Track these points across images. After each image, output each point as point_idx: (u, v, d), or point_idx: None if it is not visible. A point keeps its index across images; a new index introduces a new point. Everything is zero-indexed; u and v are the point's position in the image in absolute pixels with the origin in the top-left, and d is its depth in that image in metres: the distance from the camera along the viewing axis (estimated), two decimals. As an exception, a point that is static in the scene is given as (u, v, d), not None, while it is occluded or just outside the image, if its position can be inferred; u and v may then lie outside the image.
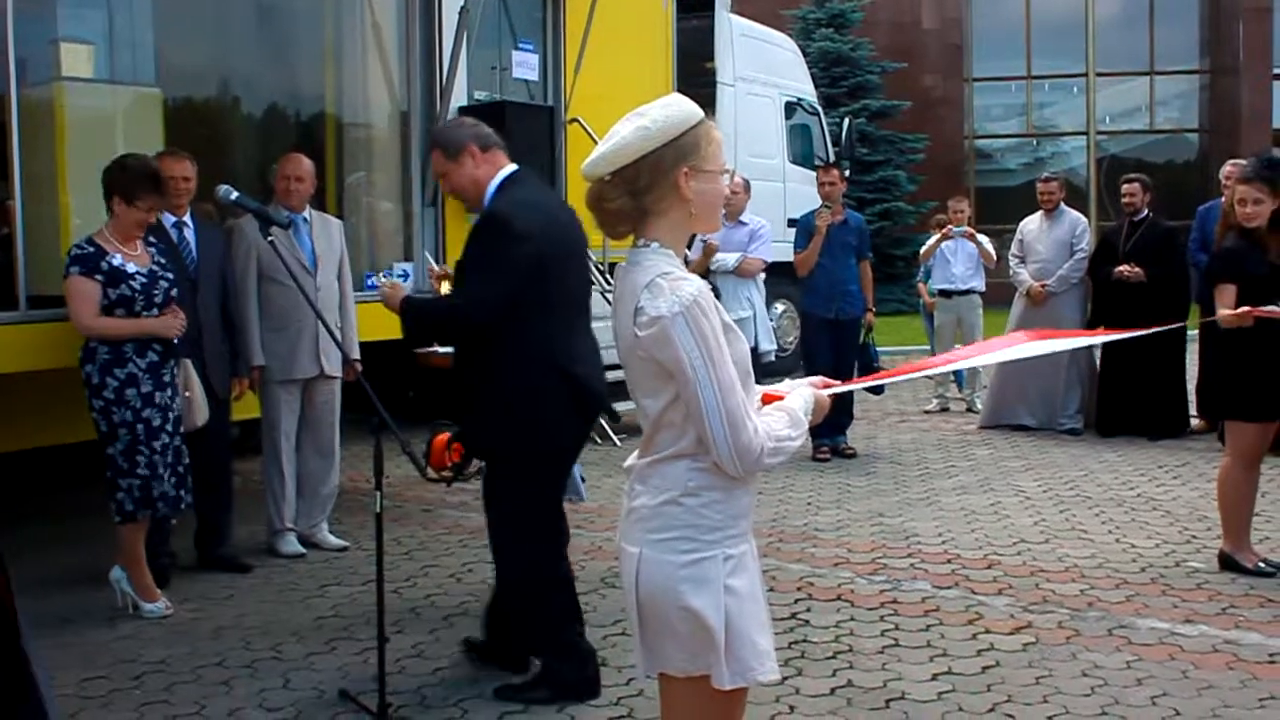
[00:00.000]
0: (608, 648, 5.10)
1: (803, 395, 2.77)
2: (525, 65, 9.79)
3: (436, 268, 5.42)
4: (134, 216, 5.52)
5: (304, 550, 6.72)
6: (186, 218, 6.29)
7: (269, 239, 4.76)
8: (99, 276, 5.45)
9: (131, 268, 5.53)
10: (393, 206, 8.65)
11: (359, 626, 5.45)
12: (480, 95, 9.21)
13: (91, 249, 5.50)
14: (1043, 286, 10.36)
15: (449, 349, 5.56)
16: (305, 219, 6.62)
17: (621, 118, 2.68)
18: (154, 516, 5.69)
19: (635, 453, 2.75)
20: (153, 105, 7.50)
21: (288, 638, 5.35)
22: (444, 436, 8.74)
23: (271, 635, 5.39)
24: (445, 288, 4.91)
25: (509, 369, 4.47)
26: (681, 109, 2.65)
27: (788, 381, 2.91)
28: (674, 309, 2.51)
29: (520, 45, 9.79)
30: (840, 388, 2.95)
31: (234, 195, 4.52)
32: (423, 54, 8.39)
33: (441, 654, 5.14)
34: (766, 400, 2.76)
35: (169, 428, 5.63)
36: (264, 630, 5.46)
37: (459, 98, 8.57)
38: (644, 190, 2.62)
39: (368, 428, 4.37)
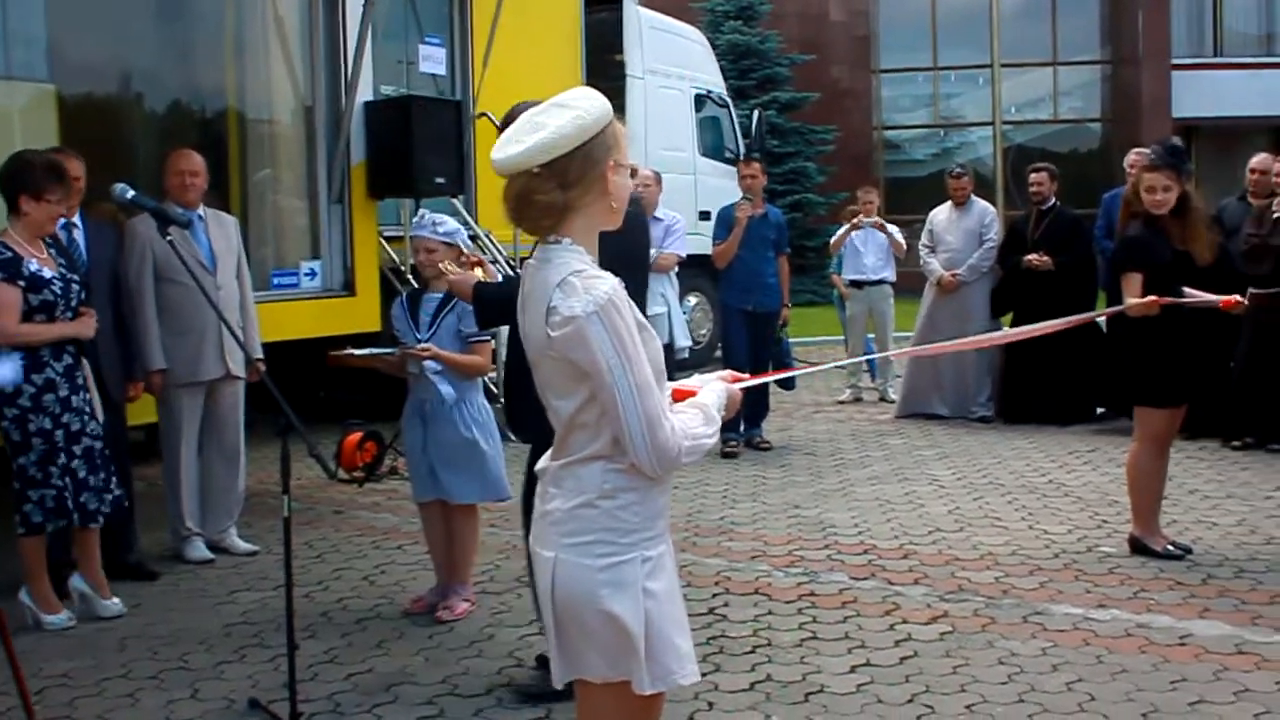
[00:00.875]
0: (524, 648, 5.04)
1: (715, 391, 2.72)
2: (432, 59, 9.68)
3: (469, 254, 5.36)
4: (46, 212, 5.32)
5: (212, 555, 6.57)
6: (76, 218, 6.09)
7: (167, 238, 4.62)
8: (20, 282, 5.26)
9: (47, 272, 5.35)
10: (299, 204, 8.50)
11: (269, 633, 5.33)
12: (387, 90, 9.09)
13: (9, 253, 5.29)
14: (953, 276, 10.45)
15: (372, 350, 5.47)
16: (200, 216, 6.44)
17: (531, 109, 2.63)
18: (69, 526, 5.51)
19: (548, 454, 2.68)
20: (46, 101, 7.28)
21: (196, 646, 5.22)
22: (355, 437, 8.73)
23: (179, 644, 5.25)
24: (479, 273, 4.93)
25: None
26: (602, 101, 2.61)
27: (698, 376, 2.87)
28: (589, 308, 2.46)
29: (427, 40, 9.68)
30: (751, 381, 2.91)
31: (130, 194, 4.39)
32: (327, 48, 8.25)
33: (354, 659, 5.05)
34: (677, 396, 2.72)
35: (89, 430, 5.47)
36: (171, 639, 5.32)
37: (364, 92, 8.44)
38: (573, 183, 2.56)
39: (274, 429, 4.27)
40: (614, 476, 2.55)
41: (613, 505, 2.54)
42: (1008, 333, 6.43)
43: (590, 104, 2.59)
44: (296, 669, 4.34)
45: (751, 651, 4.99)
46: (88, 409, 5.51)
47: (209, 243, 6.42)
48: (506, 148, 2.57)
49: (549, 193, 2.55)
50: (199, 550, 6.56)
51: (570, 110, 2.56)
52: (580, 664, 2.59)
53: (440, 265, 5.18)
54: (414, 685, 4.75)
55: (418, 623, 5.49)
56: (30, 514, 5.38)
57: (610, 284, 2.51)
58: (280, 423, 4.21)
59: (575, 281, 2.50)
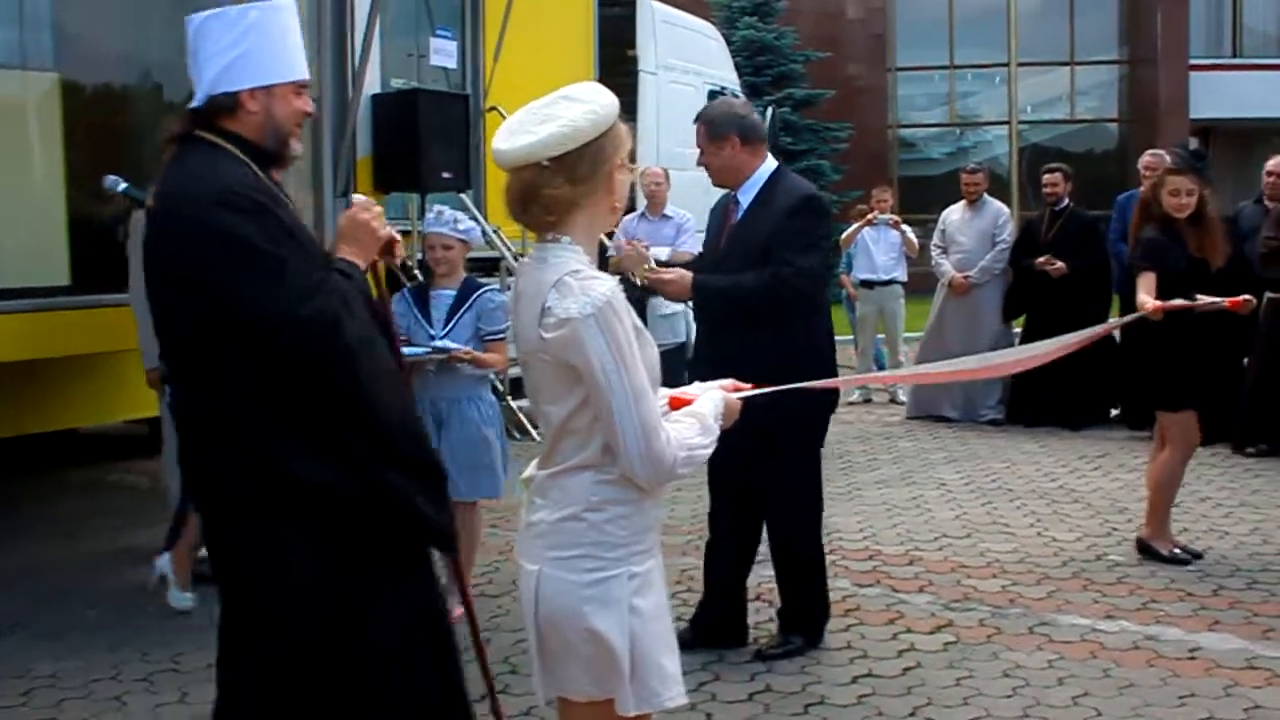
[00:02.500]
0: (518, 653, 4.96)
1: (713, 400, 2.63)
2: (443, 52, 9.58)
3: (627, 246, 5.22)
4: None
5: None
6: None
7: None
8: None
9: None
10: (304, 197, 8.40)
11: (264, 634, 5.25)
12: (398, 83, 8.99)
13: None
14: (965, 278, 10.34)
15: (414, 351, 5.34)
16: None
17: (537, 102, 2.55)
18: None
19: (535, 462, 2.60)
20: (51, 91, 7.20)
21: (189, 648, 5.12)
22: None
23: (172, 645, 5.17)
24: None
25: (805, 340, 4.85)
26: (612, 97, 2.54)
27: (696, 385, 2.78)
28: (585, 310, 2.38)
29: (438, 32, 9.58)
30: (751, 392, 2.81)
31: (121, 186, 4.31)
32: (334, 40, 8.12)
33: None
34: (674, 405, 2.63)
35: None
36: (164, 640, 5.23)
37: (372, 85, 8.34)
38: (581, 180, 2.49)
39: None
40: (603, 488, 2.47)
41: (600, 518, 2.46)
42: (1022, 358, 6.31)
43: (603, 99, 2.52)
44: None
45: (751, 660, 4.91)
46: None
47: None
48: (515, 138, 2.49)
49: (558, 188, 2.48)
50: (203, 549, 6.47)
51: (583, 104, 2.48)
52: (563, 681, 2.51)
53: (641, 270, 5.02)
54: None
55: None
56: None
57: (608, 285, 2.43)
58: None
59: (572, 282, 2.42)
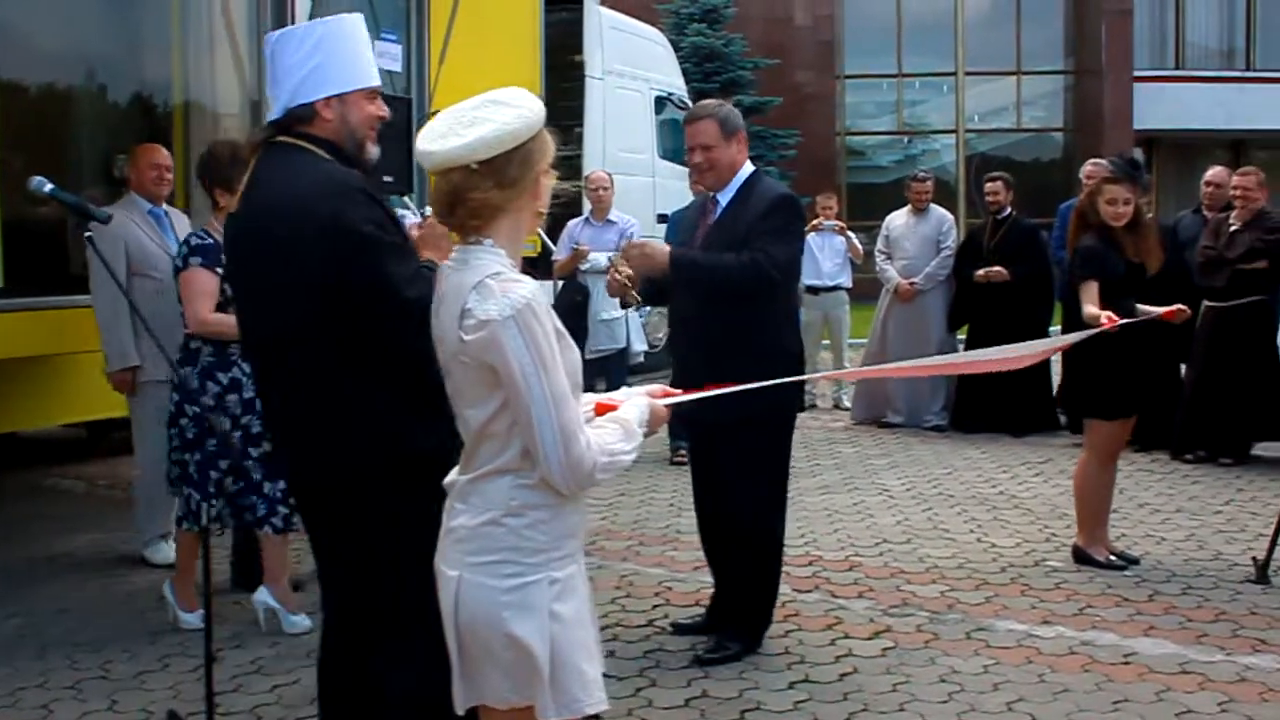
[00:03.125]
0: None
1: (638, 406, 2.61)
2: (388, 55, 9.50)
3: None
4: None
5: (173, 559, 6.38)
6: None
7: (87, 235, 4.43)
8: (219, 270, 5.14)
9: None
10: (245, 199, 8.33)
11: (196, 641, 5.11)
12: (341, 86, 8.92)
13: (211, 240, 5.23)
14: (910, 284, 10.39)
15: None
16: (165, 213, 6.32)
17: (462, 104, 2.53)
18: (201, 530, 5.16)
19: (456, 468, 2.57)
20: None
21: (119, 655, 5.07)
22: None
23: (102, 652, 5.09)
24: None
25: (774, 333, 4.93)
26: (539, 102, 2.53)
27: (624, 390, 2.76)
28: (505, 312, 2.35)
29: (383, 35, 9.50)
30: (681, 397, 2.80)
31: (48, 187, 4.21)
32: (275, 42, 8.07)
33: (281, 669, 4.91)
34: (600, 410, 2.61)
35: (267, 435, 5.17)
36: (94, 647, 5.15)
37: (314, 87, 8.27)
38: (510, 183, 2.47)
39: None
40: (522, 493, 2.44)
41: (520, 523, 2.44)
42: (974, 362, 6.33)
43: (531, 103, 2.51)
44: (220, 680, 4.23)
45: (689, 666, 4.89)
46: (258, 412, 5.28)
47: (177, 238, 6.25)
48: (443, 141, 2.47)
49: (485, 191, 2.47)
50: (164, 553, 6.35)
51: (513, 108, 2.47)
52: (484, 688, 2.48)
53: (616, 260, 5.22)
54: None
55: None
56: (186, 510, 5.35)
57: (529, 288, 2.40)
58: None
59: (492, 284, 2.39)
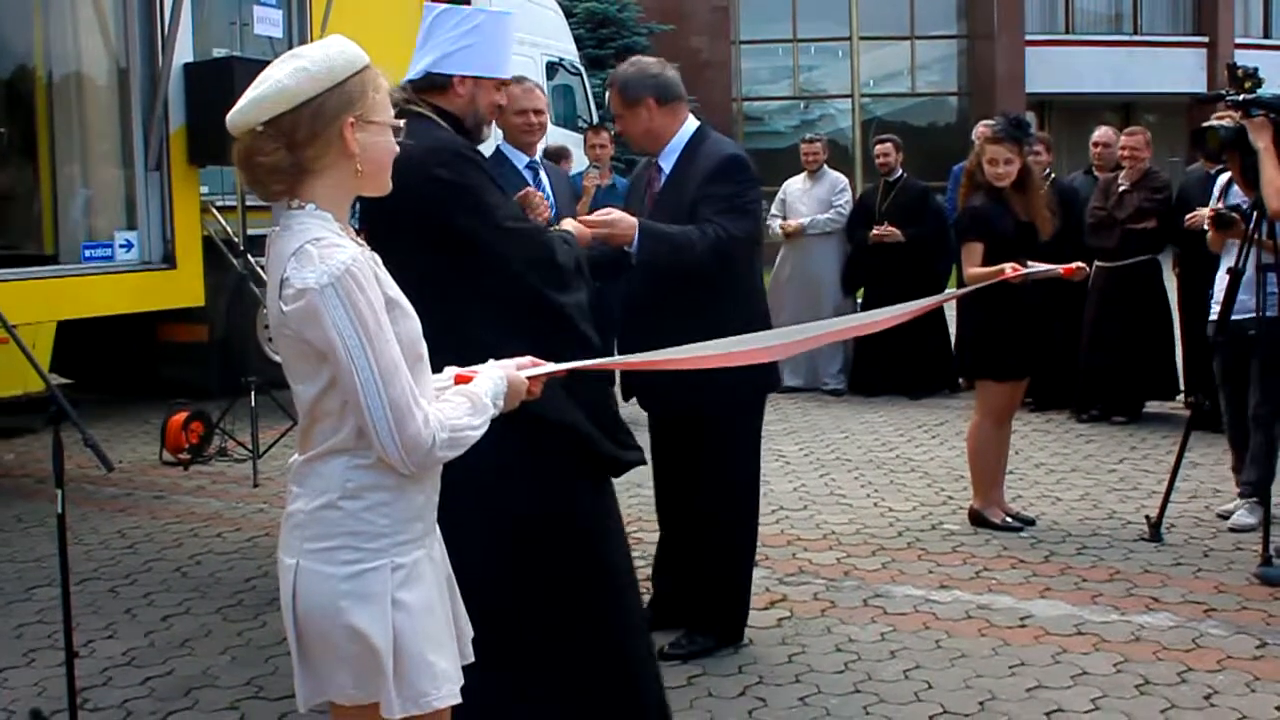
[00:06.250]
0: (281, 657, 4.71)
1: (491, 378, 2.42)
2: (268, 21, 9.18)
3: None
4: None
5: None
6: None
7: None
8: None
9: None
10: (114, 171, 7.98)
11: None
12: (220, 52, 8.59)
13: None
14: (797, 224, 10.36)
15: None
16: None
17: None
18: None
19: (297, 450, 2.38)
20: None
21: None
22: (180, 416, 8.28)
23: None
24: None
25: (742, 306, 4.64)
26: (345, 51, 2.29)
27: (491, 363, 2.57)
28: (323, 280, 2.15)
29: (262, 1, 9.20)
30: (547, 368, 2.62)
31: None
32: (142, 6, 7.73)
33: (155, 660, 4.69)
34: (459, 382, 2.43)
35: None
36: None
37: (184, 54, 7.93)
38: (303, 143, 2.25)
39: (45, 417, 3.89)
40: (358, 474, 2.26)
41: (358, 506, 2.25)
42: (863, 322, 6.23)
43: (322, 53, 2.28)
44: (90, 673, 4.02)
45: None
46: None
47: None
48: (240, 103, 2.27)
49: (272, 153, 2.25)
50: None
51: (296, 61, 2.25)
52: (327, 684, 2.30)
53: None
54: (215, 689, 4.41)
55: (229, 618, 5.14)
56: None
57: (350, 253, 2.20)
58: (50, 410, 3.83)
59: (312, 250, 2.19)
